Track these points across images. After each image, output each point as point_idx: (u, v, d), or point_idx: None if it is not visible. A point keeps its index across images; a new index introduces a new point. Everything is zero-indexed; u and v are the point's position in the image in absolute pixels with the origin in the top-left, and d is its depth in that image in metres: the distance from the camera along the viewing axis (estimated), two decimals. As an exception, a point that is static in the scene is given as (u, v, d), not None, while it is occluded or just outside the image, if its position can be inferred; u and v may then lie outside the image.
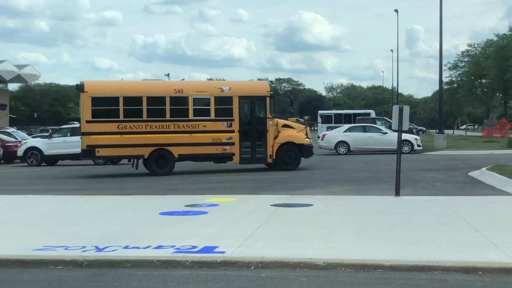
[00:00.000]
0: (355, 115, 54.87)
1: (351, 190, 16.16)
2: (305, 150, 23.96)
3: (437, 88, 48.06)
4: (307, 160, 24.31)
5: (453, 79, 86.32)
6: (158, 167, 22.50)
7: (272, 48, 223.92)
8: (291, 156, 23.62)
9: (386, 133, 34.06)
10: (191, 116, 22.65)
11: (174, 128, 22.54)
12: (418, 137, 36.73)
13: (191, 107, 22.62)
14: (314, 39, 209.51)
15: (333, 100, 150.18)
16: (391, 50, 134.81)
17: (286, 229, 9.51)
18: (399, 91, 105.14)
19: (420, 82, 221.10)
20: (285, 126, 24.19)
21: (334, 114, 60.24)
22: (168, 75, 77.26)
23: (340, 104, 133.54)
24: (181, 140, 22.55)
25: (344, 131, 35.05)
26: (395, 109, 14.24)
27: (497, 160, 24.66)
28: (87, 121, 21.95)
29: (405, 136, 31.23)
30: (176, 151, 22.59)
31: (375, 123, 41.01)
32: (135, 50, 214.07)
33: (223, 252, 7.78)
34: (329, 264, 7.23)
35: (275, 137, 23.34)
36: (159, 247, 8.23)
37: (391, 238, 8.63)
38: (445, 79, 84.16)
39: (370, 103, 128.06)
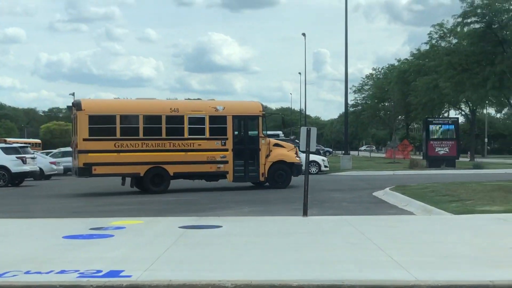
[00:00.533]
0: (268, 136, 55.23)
1: (260, 211, 16.25)
2: (295, 169, 24.75)
3: (343, 110, 49.47)
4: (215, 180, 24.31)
5: (358, 102, 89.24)
6: (153, 185, 22.73)
7: (182, 68, 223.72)
8: (282, 175, 24.40)
9: (294, 154, 34.53)
10: (186, 135, 23.06)
11: (170, 146, 22.89)
12: (325, 158, 37.61)
13: (186, 126, 23.03)
14: (223, 60, 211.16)
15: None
16: (299, 73, 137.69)
17: (195, 251, 9.40)
18: (307, 113, 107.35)
19: (327, 105, 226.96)
20: (276, 145, 24.95)
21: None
22: (73, 94, 75.21)
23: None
24: (176, 158, 22.87)
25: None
26: (303, 130, 14.47)
27: (399, 181, 25.55)
28: (84, 139, 22.05)
29: (312, 157, 31.91)
30: (171, 169, 22.91)
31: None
32: (39, 68, 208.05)
33: (130, 276, 7.58)
34: (238, 285, 7.18)
35: (267, 156, 24.06)
36: (62, 271, 7.91)
37: (299, 258, 8.70)
38: (350, 102, 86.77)
39: (279, 124, 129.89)
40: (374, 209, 16.24)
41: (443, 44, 57.23)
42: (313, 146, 14.37)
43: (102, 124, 22.36)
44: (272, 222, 13.19)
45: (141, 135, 22.48)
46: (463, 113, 69.18)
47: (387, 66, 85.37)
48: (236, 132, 23.93)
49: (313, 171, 33.24)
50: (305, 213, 13.82)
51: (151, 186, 22.64)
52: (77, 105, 22.55)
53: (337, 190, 23.00)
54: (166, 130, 22.82)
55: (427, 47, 61.45)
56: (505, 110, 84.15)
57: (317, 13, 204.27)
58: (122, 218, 14.18)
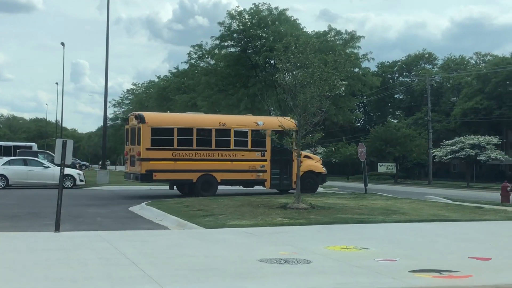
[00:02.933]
0: (16, 147, 52.30)
1: (9, 226, 15.24)
2: (321, 178, 29.15)
3: (102, 123, 48.67)
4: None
5: (118, 115, 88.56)
6: (203, 191, 25.38)
7: None
8: (311, 183, 28.13)
9: (48, 167, 33.18)
10: (232, 146, 26.22)
11: (218, 156, 25.91)
12: (81, 172, 36.53)
13: (232, 138, 26.15)
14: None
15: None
16: (56, 83, 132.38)
17: None
18: (64, 125, 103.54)
19: (85, 117, 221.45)
20: (306, 157, 28.27)
21: (-7, 145, 56.51)
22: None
23: (0, 135, 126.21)
24: (223, 167, 25.94)
25: (3, 164, 33.12)
26: (59, 142, 13.97)
27: (157, 195, 25.83)
28: (147, 149, 24.65)
29: (67, 170, 30.88)
30: (219, 176, 25.96)
31: (37, 157, 39.65)
32: None
33: None
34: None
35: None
36: None
37: (48, 275, 8.33)
38: (110, 115, 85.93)
39: (33, 136, 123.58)
40: (129, 224, 16.17)
41: (201, 64, 59.47)
42: (69, 159, 13.94)
43: (162, 136, 24.91)
44: (21, 238, 12.46)
45: (194, 146, 25.24)
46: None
47: (148, 81, 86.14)
48: (273, 145, 26.48)
49: (68, 185, 32.16)
50: (57, 229, 13.31)
51: (202, 192, 25.20)
52: (140, 118, 25.12)
53: (93, 205, 22.49)
54: (216, 141, 25.81)
55: (187, 66, 63.35)
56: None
57: (76, 23, 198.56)
58: None
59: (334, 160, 78.44)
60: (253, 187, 27.87)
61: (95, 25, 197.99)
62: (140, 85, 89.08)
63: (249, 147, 26.57)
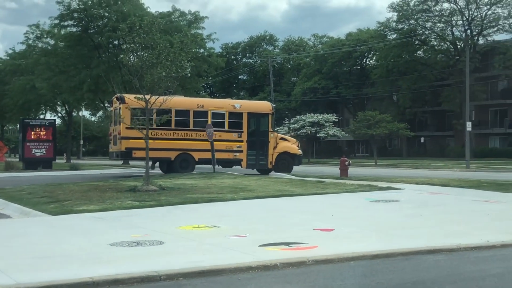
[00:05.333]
0: None
1: None
2: (296, 159, 29.85)
3: None
4: None
5: None
6: (181, 169, 26.83)
7: None
8: (285, 164, 29.22)
9: None
10: None
11: (196, 136, 27.31)
12: None
13: (210, 120, 27.28)
14: None
15: None
16: None
17: None
18: None
19: None
20: (282, 139, 30.24)
21: None
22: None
23: None
24: (201, 146, 27.24)
25: None
26: None
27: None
28: (127, 128, 25.18)
29: None
30: (196, 156, 27.45)
31: None
32: None
33: None
34: None
35: (274, 147, 29.01)
36: None
37: None
38: None
39: None
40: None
41: (40, 45, 56.75)
42: None
43: (141, 116, 24.10)
44: None
45: (173, 126, 26.29)
46: (59, 114, 69.62)
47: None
48: (250, 127, 28.33)
49: None
50: None
51: (180, 169, 26.62)
52: (121, 99, 26.57)
53: None
54: (193, 122, 27.11)
55: (24, 47, 60.17)
56: (100, 113, 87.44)
57: None
58: None
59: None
60: (231, 167, 29.04)
61: None
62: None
63: (226, 128, 27.95)
